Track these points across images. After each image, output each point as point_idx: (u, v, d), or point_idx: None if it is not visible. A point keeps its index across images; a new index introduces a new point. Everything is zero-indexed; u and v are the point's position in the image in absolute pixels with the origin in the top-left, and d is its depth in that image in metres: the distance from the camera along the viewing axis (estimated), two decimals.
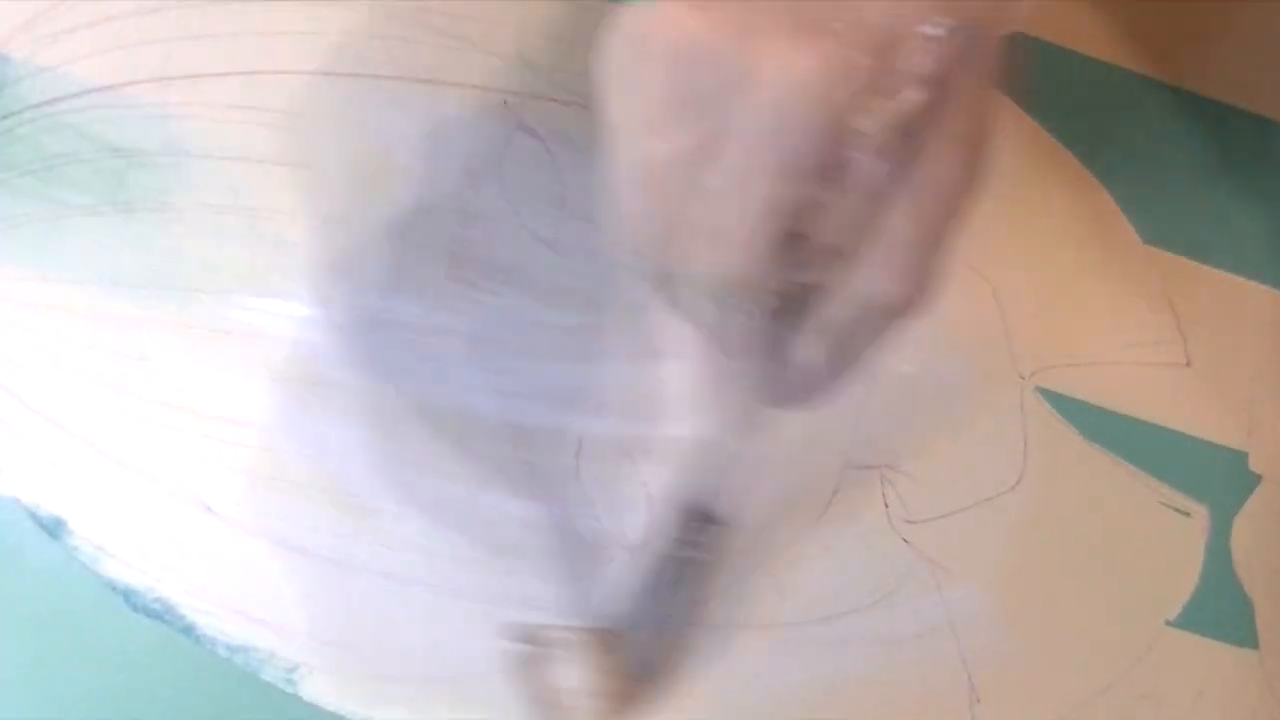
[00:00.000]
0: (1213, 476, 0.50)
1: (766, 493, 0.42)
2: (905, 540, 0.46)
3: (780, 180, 0.30)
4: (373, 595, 0.42)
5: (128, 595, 0.40)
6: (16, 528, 0.40)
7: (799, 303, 0.32)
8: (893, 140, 0.30)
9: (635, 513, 0.44)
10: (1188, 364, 0.51)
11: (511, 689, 0.41)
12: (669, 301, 0.34)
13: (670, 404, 0.44)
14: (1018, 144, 0.51)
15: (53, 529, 0.40)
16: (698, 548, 0.42)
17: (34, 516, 0.40)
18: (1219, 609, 0.48)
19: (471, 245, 0.45)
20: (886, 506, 0.47)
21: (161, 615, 0.40)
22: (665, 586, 0.42)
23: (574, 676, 0.41)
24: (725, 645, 0.44)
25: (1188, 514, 0.49)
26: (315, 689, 0.41)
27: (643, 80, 0.31)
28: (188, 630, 0.40)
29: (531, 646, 0.41)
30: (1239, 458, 0.50)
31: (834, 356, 0.33)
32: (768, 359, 0.33)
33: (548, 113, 0.47)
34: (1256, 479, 0.50)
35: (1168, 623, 0.48)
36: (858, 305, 0.31)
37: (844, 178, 0.30)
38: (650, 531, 0.43)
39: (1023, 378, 0.49)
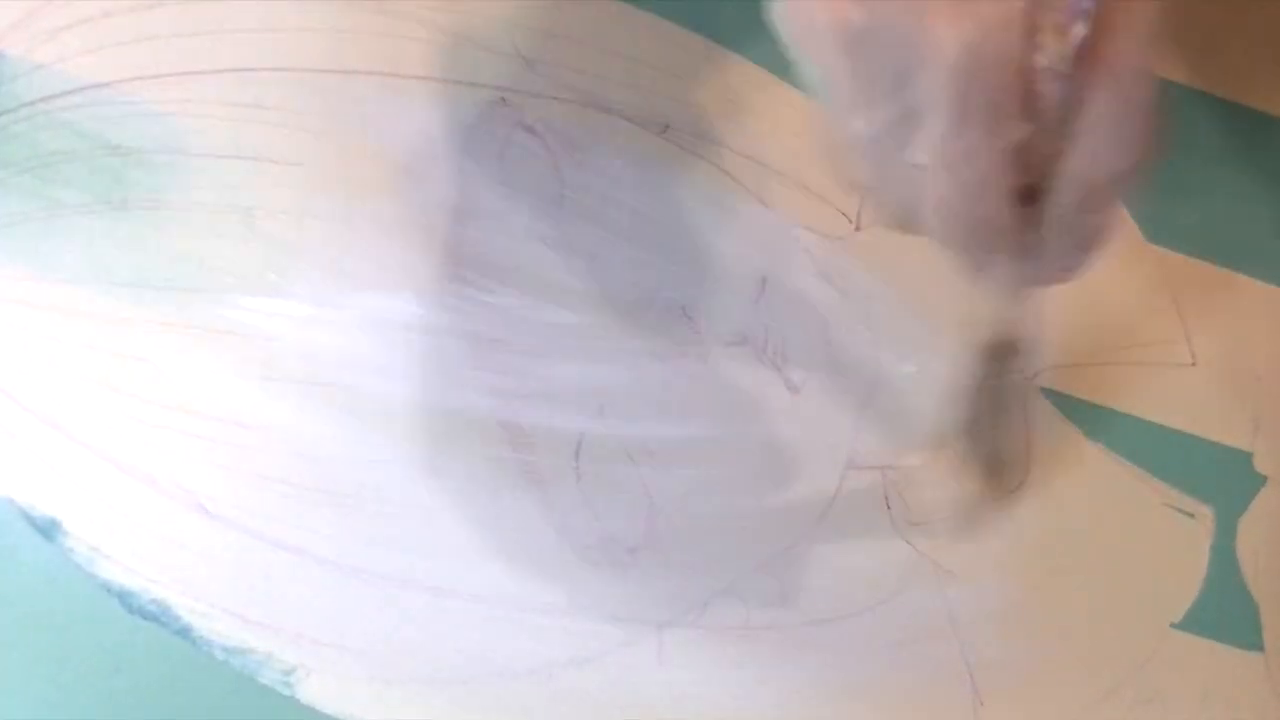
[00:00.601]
0: (1218, 477, 0.49)
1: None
2: (907, 541, 0.46)
3: (985, 136, 0.32)
4: (372, 596, 0.42)
5: (123, 597, 0.40)
6: (11, 529, 0.40)
7: (1034, 205, 0.34)
8: (1070, 67, 0.31)
9: (635, 513, 0.44)
10: (1193, 364, 0.50)
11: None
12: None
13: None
14: None
15: (48, 530, 0.40)
16: (1006, 374, 0.45)
17: (28, 517, 0.40)
18: (1224, 611, 0.48)
19: (471, 245, 0.45)
20: (889, 507, 0.46)
21: (158, 617, 0.40)
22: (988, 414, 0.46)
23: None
24: (725, 647, 0.44)
25: (1192, 515, 0.49)
26: (313, 691, 0.41)
27: (823, 66, 0.33)
28: (184, 632, 0.40)
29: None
30: (1244, 458, 0.50)
31: (1079, 236, 0.34)
32: (1022, 260, 0.35)
33: (547, 111, 0.47)
34: (1262, 480, 0.50)
35: (1173, 625, 0.47)
36: (1084, 184, 0.33)
37: (1038, 106, 0.32)
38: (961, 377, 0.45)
39: (1026, 378, 0.49)
